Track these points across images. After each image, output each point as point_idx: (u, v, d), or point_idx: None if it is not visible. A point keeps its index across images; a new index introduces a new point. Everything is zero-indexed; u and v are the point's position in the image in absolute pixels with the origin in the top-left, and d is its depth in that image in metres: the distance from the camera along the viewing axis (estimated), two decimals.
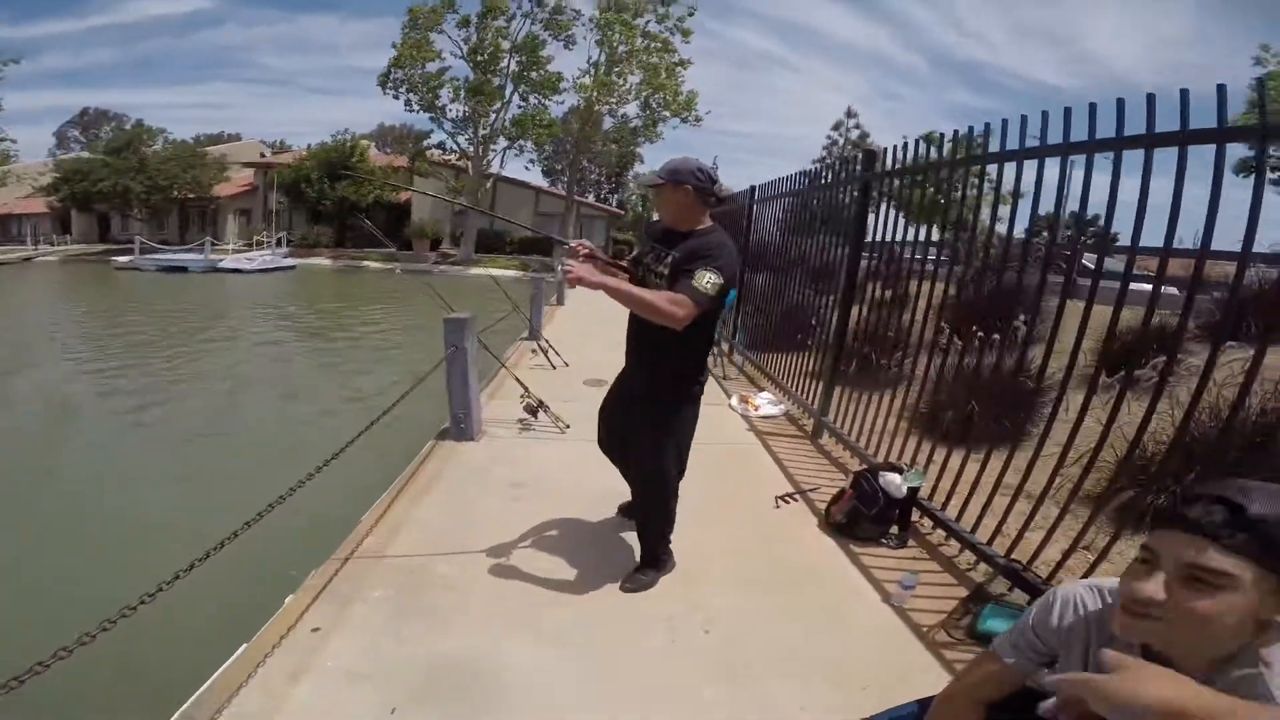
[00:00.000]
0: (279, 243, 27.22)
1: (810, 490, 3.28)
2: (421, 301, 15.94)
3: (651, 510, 2.42)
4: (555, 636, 2.09)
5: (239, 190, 32.61)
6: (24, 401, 7.28)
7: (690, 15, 24.40)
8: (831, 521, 2.84)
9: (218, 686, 1.85)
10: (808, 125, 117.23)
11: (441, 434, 3.89)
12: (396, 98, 24.99)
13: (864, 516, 2.75)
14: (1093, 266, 2.38)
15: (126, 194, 29.63)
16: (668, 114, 25.24)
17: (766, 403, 4.67)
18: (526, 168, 37.62)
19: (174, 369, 8.81)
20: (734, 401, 4.71)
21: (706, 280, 2.02)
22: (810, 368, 4.59)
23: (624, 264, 2.46)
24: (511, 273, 20.16)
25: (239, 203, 32.36)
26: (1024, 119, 2.52)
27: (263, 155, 37.37)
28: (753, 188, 6.27)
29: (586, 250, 2.34)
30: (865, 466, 3.11)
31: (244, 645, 2.01)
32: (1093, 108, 2.20)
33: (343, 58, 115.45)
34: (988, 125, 2.81)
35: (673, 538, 2.48)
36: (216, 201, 32.22)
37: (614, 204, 40.75)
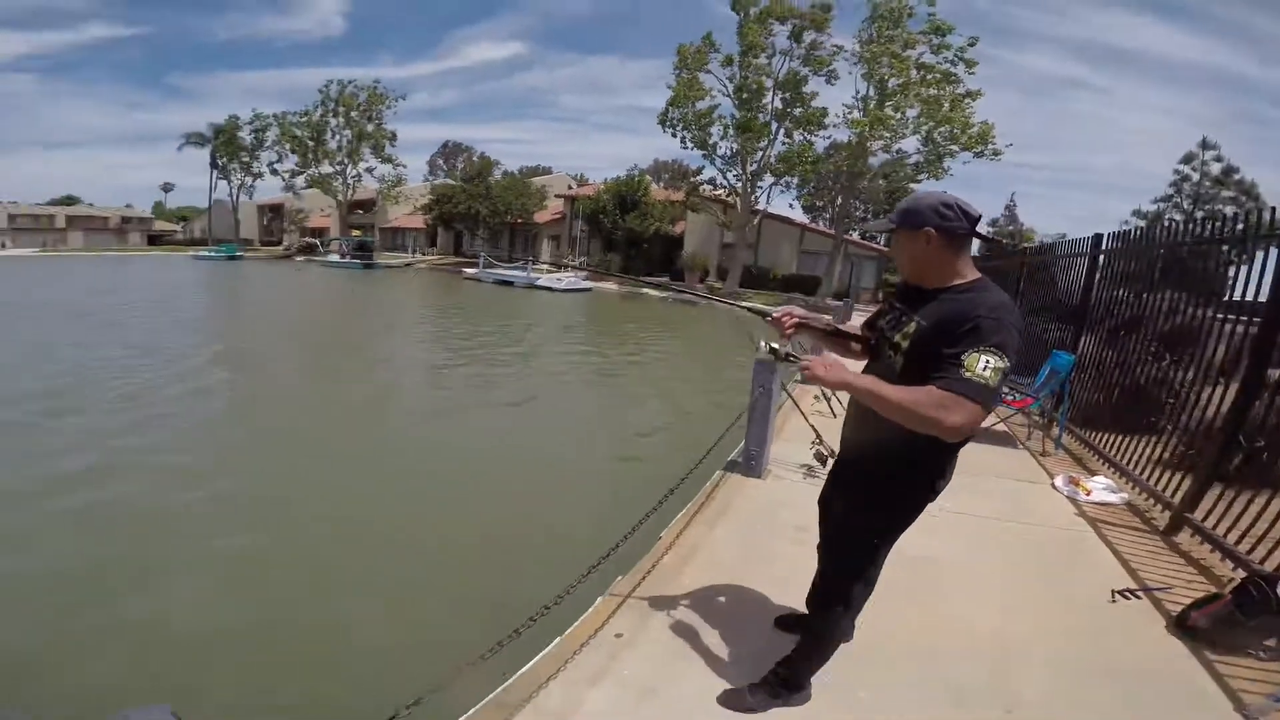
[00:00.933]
0: (581, 265, 31.67)
1: (1159, 589, 2.84)
2: (693, 328, 17.32)
3: (817, 623, 2.02)
4: (833, 689, 2.06)
5: (552, 218, 38.97)
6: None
7: (971, 45, 22.35)
8: (1190, 625, 2.49)
9: (528, 677, 1.98)
10: (1119, 153, 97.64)
11: (729, 465, 4.12)
12: (674, 135, 26.78)
13: (1240, 625, 2.40)
14: None
15: (476, 216, 37.57)
16: (955, 148, 23.21)
17: (1102, 488, 4.07)
18: (791, 205, 37.99)
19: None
20: (1059, 481, 4.19)
21: (984, 366, 1.42)
22: (1164, 454, 3.90)
23: (857, 331, 1.98)
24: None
25: (551, 229, 38.68)
26: None
27: (570, 187, 44.20)
28: (1097, 236, 5.50)
29: (795, 320, 1.89)
30: (1250, 574, 2.65)
31: (557, 639, 2.17)
32: None
33: (622, 97, 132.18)
34: None
35: (977, 609, 2.31)
36: (536, 227, 38.95)
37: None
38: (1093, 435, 4.93)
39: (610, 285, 28.97)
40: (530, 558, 4.10)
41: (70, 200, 61.19)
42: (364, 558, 4.13)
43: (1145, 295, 4.57)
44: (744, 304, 2.73)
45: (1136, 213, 32.41)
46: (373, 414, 7.80)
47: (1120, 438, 4.50)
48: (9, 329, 12.77)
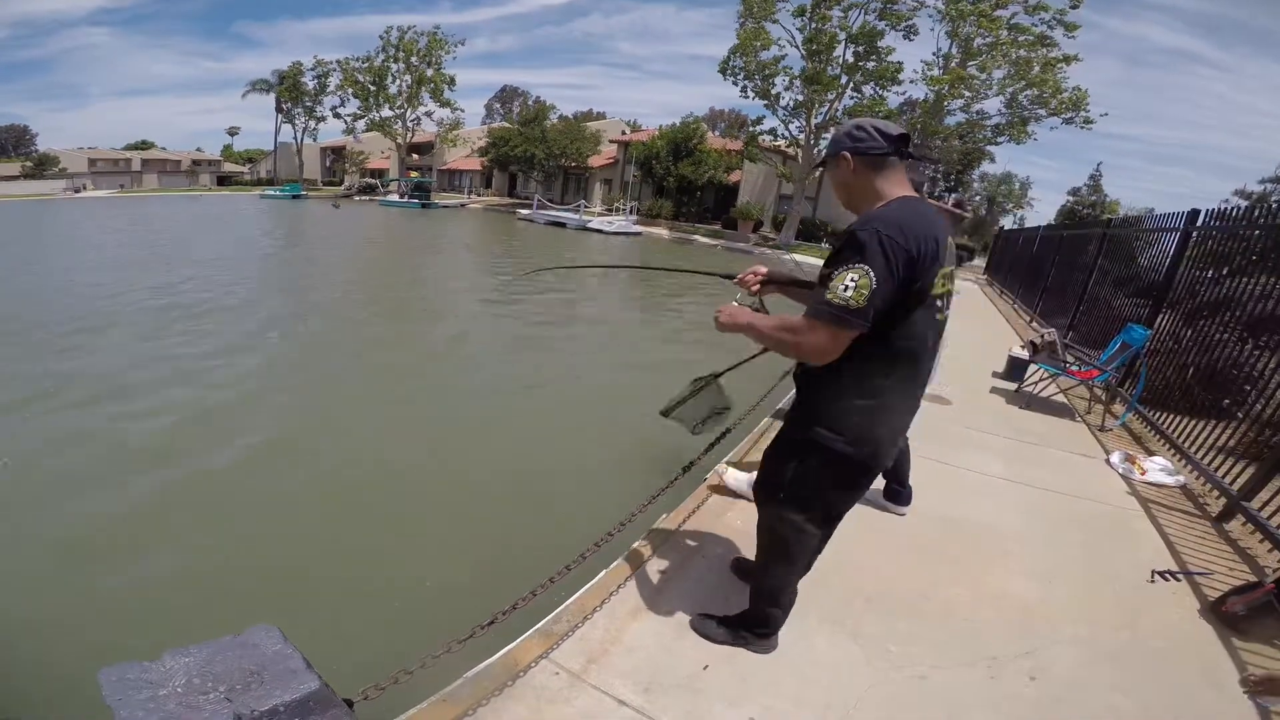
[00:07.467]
0: (631, 211, 31.43)
1: (1200, 574, 2.81)
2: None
3: (761, 565, 1.95)
4: (867, 640, 2.12)
5: (605, 162, 38.51)
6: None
7: (1074, 8, 20.49)
8: (1225, 610, 2.47)
9: (574, 608, 2.03)
10: (1232, 132, 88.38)
11: (777, 414, 4.15)
12: (735, 84, 25.99)
13: (1275, 615, 2.39)
14: None
15: (531, 159, 37.46)
16: (1043, 112, 21.73)
17: (1159, 469, 3.97)
18: None
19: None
20: (1115, 458, 4.11)
21: (845, 287, 1.33)
22: (1231, 441, 3.78)
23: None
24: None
25: (604, 173, 38.26)
26: None
27: (624, 132, 43.30)
28: (1193, 211, 5.16)
29: (759, 277, 1.94)
30: None
31: (604, 571, 2.24)
32: None
33: (680, 45, 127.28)
34: None
35: (1016, 577, 2.33)
36: (589, 171, 38.61)
37: (949, 202, 36.67)
38: (1155, 415, 4.78)
39: (661, 230, 28.64)
40: (576, 493, 4.24)
41: (145, 145, 63.70)
42: (407, 498, 4.13)
43: (1239, 277, 4.31)
44: (703, 270, 2.78)
45: (1239, 192, 29.74)
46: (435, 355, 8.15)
47: (1184, 420, 4.36)
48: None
